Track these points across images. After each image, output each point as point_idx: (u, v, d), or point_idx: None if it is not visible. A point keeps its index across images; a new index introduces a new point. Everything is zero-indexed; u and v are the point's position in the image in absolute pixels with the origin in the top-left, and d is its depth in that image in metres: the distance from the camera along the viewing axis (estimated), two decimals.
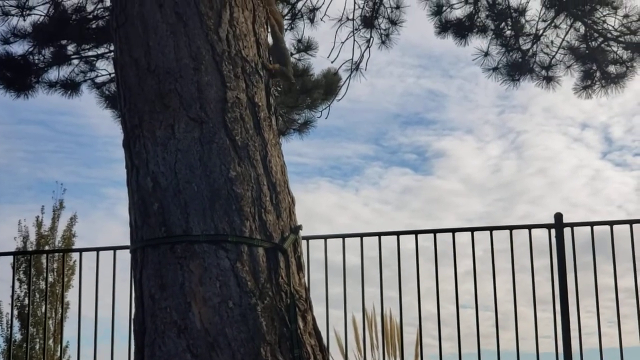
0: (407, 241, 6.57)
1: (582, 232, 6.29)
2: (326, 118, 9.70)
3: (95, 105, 9.37)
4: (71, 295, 18.13)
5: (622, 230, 6.18)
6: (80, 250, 6.93)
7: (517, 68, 9.15)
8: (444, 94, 26.28)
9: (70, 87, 9.36)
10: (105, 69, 9.38)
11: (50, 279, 18.95)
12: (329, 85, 9.73)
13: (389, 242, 6.59)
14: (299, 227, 4.20)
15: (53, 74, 9.31)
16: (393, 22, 9.75)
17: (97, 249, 6.64)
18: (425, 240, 6.54)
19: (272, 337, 3.80)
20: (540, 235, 6.34)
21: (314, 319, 4.10)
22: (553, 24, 9.13)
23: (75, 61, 9.36)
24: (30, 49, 9.09)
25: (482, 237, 6.40)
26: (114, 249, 6.53)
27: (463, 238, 6.51)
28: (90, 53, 9.37)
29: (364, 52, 9.70)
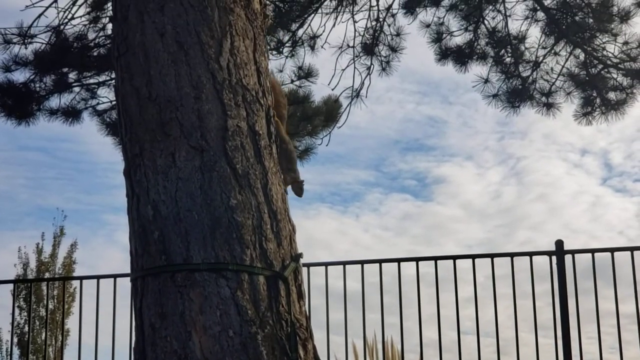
0: (408, 267, 6.57)
1: (583, 258, 6.29)
2: (327, 145, 9.73)
3: (95, 132, 9.40)
4: (71, 323, 18.11)
5: (623, 256, 6.17)
6: (81, 278, 6.92)
7: (517, 95, 9.18)
8: (444, 120, 26.38)
9: (71, 114, 9.38)
10: (106, 96, 9.42)
11: (50, 306, 18.92)
12: (330, 112, 9.76)
13: (389, 268, 6.59)
14: (300, 255, 4.19)
15: (54, 102, 9.35)
16: (393, 49, 9.80)
17: (98, 277, 6.63)
18: (426, 266, 6.55)
19: None
20: (541, 261, 6.34)
21: (314, 347, 4.09)
22: (553, 51, 9.17)
23: (77, 89, 9.39)
24: (32, 77, 9.13)
25: (483, 263, 6.40)
26: (115, 276, 6.52)
27: (464, 264, 6.51)
28: (91, 80, 9.41)
29: (365, 79, 9.75)
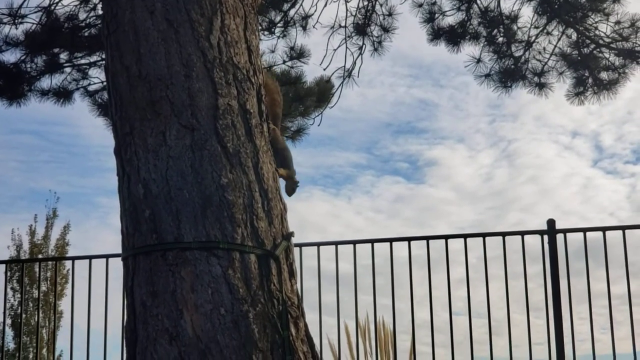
0: (400, 249, 6.57)
1: (575, 239, 6.30)
2: (319, 125, 9.72)
3: (88, 114, 9.37)
4: (65, 304, 18.12)
5: (614, 237, 6.18)
6: (73, 259, 6.91)
7: (509, 75, 9.17)
8: (435, 104, 26.36)
9: (62, 95, 9.35)
10: (97, 77, 9.38)
11: (43, 288, 18.91)
12: (322, 93, 9.74)
13: (381, 249, 6.59)
14: (291, 234, 4.19)
15: (45, 82, 9.31)
16: (385, 30, 9.77)
17: (90, 257, 6.62)
18: (418, 248, 6.54)
19: (264, 344, 3.79)
20: (533, 242, 6.34)
21: (306, 325, 4.09)
22: (545, 31, 9.16)
23: (68, 69, 9.35)
24: (23, 57, 9.09)
25: (474, 244, 6.40)
26: (107, 257, 6.51)
27: (456, 245, 6.51)
28: (82, 61, 9.37)
29: (356, 59, 9.72)
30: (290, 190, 4.63)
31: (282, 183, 4.41)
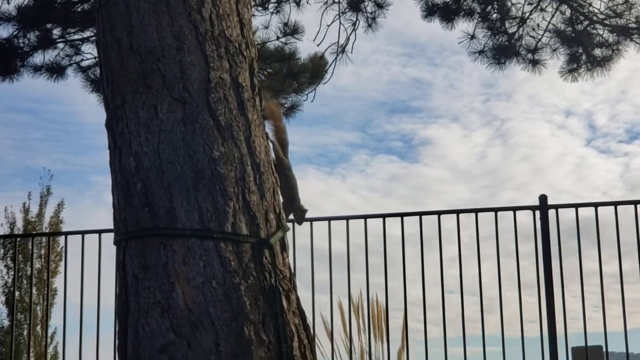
0: (394, 227, 6.57)
1: (567, 218, 6.30)
2: (312, 101, 9.70)
3: (82, 92, 9.35)
4: (59, 282, 18.13)
5: (606, 217, 6.18)
6: (66, 234, 6.91)
7: (503, 51, 9.16)
8: (430, 82, 26.38)
9: (55, 71, 9.33)
10: (90, 52, 9.36)
11: (37, 265, 18.93)
12: (316, 69, 9.73)
13: (375, 228, 6.58)
14: (287, 228, 4.20)
15: (38, 58, 9.29)
16: (379, 5, 9.74)
17: (83, 232, 6.62)
18: (411, 227, 6.54)
19: (255, 317, 3.81)
20: (526, 220, 6.35)
21: (297, 298, 4.11)
22: (539, 7, 9.14)
23: (61, 45, 9.33)
24: (15, 33, 9.06)
25: (467, 222, 6.40)
26: (100, 232, 6.52)
27: (449, 224, 6.51)
28: (75, 37, 9.35)
29: (350, 35, 9.70)
30: (300, 219, 4.65)
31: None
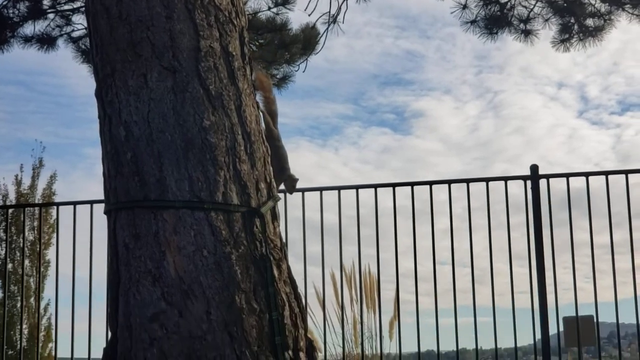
0: (386, 199, 6.57)
1: (559, 190, 6.30)
2: (304, 71, 9.66)
3: (73, 64, 9.29)
4: (52, 253, 18.11)
5: (597, 188, 6.18)
6: (58, 204, 6.91)
7: (495, 21, 9.12)
8: (422, 55, 26.31)
9: (46, 41, 9.27)
10: (81, 23, 9.30)
11: (31, 237, 18.90)
12: (307, 40, 9.68)
13: (367, 199, 6.58)
14: (278, 197, 4.20)
15: (29, 29, 9.22)
16: None
17: (74, 203, 6.62)
18: (403, 199, 6.54)
19: (246, 285, 3.82)
20: (517, 192, 6.34)
21: (288, 267, 4.12)
22: None
23: (51, 15, 9.26)
24: (5, 3, 8.99)
25: (459, 195, 6.40)
26: (91, 202, 6.51)
27: (441, 196, 6.51)
28: (66, 7, 9.28)
29: (342, 4, 9.64)
30: (291, 188, 4.63)
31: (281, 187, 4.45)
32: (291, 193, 4.83)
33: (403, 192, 6.52)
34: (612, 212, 6.11)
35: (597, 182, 6.21)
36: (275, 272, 3.96)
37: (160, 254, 3.78)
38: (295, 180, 4.71)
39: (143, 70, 3.96)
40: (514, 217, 6.35)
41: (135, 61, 3.98)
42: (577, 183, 6.24)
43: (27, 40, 9.20)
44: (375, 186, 6.57)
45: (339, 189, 6.54)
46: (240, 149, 4.02)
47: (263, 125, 4.35)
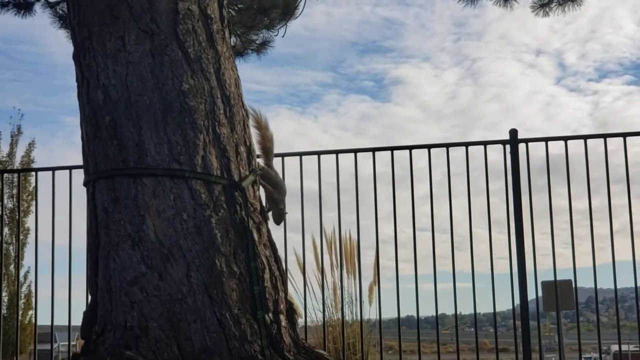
0: (365, 166, 6.54)
1: (537, 157, 6.30)
2: (283, 36, 9.58)
3: (53, 33, 9.15)
4: (31, 221, 18.06)
5: (576, 155, 6.18)
6: (36, 170, 6.86)
7: None
8: (401, 22, 26.29)
9: (22, 6, 9.13)
10: None
11: (10, 205, 18.85)
12: (287, 5, 9.59)
13: (347, 166, 6.56)
14: (259, 170, 4.18)
15: None
16: None
17: (53, 169, 6.57)
18: (384, 165, 6.53)
19: (226, 249, 3.82)
20: (496, 159, 6.34)
21: (268, 231, 4.12)
22: None
23: None
24: None
25: (439, 161, 6.39)
26: (70, 168, 6.46)
27: (420, 163, 6.50)
28: None
29: None
30: (278, 219, 4.50)
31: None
32: (278, 224, 4.67)
33: (383, 160, 6.51)
34: (591, 178, 6.13)
35: (575, 148, 6.21)
36: (255, 236, 3.96)
37: (140, 217, 3.78)
38: (285, 213, 4.57)
39: (121, 33, 3.93)
40: (493, 184, 6.36)
41: (112, 24, 3.94)
42: (556, 150, 6.25)
43: (4, 5, 9.06)
44: (355, 151, 6.55)
45: (318, 154, 6.52)
46: (219, 112, 4.00)
47: (242, 90, 4.32)
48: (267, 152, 4.49)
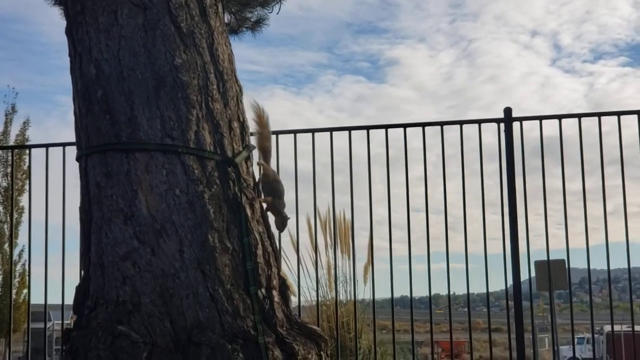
0: (360, 146, 6.51)
1: (532, 138, 6.27)
2: (277, 13, 9.52)
3: (47, 11, 9.14)
4: (25, 200, 18.04)
5: (570, 136, 6.17)
6: (30, 147, 6.84)
7: None
8: (397, 3, 26.26)
9: None
10: None
11: (4, 184, 18.84)
12: None
13: (341, 147, 6.52)
14: (253, 146, 4.15)
15: None
16: None
17: (47, 145, 6.54)
18: (378, 146, 6.50)
19: (219, 224, 3.81)
20: (491, 141, 6.32)
21: (261, 206, 4.11)
22: None
23: None
24: None
25: (433, 142, 6.36)
26: (64, 145, 6.44)
27: (415, 143, 6.48)
28: None
29: None
30: (281, 225, 4.38)
31: (271, 219, 4.28)
32: (281, 231, 4.57)
33: (377, 140, 6.48)
34: (585, 160, 6.12)
35: (570, 129, 6.21)
36: (248, 211, 3.95)
37: (132, 192, 3.76)
38: (287, 219, 4.48)
39: (113, 7, 3.90)
40: (487, 165, 6.34)
41: None
42: (550, 130, 6.23)
43: None
44: (350, 129, 6.53)
45: (312, 131, 6.50)
46: (212, 87, 3.98)
47: (235, 65, 4.29)
48: (266, 152, 4.38)
